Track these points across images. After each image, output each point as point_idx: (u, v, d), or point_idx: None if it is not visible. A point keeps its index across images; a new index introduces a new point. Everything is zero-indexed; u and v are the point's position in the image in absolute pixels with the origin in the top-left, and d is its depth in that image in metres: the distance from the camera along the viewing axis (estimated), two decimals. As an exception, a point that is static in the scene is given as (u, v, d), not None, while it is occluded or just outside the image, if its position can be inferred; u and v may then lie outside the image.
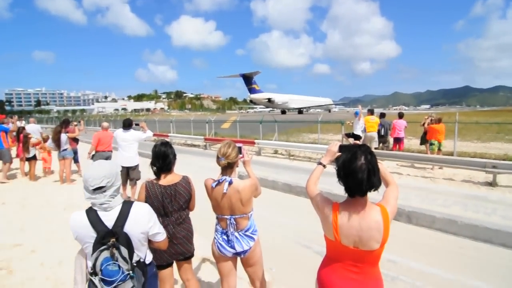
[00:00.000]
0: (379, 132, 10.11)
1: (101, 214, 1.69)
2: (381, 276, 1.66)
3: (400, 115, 10.36)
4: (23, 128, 9.03)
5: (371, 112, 10.41)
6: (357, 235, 1.53)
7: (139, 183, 5.68)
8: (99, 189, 1.68)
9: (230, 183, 2.20)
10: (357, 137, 9.67)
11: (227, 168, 2.27)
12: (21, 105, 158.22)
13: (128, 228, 1.70)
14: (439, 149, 8.98)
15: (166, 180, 2.41)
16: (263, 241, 2.59)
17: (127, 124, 5.99)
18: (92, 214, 1.68)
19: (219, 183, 2.23)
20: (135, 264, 1.69)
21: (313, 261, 1.96)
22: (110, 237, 1.61)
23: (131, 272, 1.62)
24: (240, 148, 2.32)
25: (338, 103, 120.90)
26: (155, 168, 2.42)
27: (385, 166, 1.77)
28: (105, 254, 1.58)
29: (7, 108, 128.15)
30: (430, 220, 4.79)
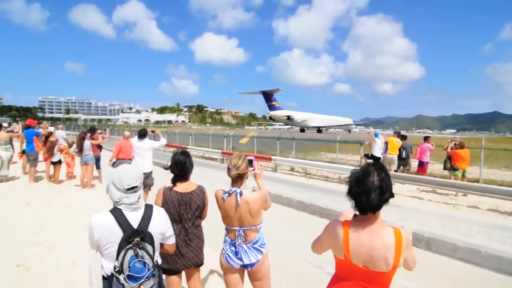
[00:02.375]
0: (400, 154, 9.83)
1: (127, 214, 1.75)
2: (392, 299, 1.59)
3: (426, 138, 10.05)
4: (51, 133, 9.53)
5: (397, 134, 10.20)
6: (368, 254, 1.49)
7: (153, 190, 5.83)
8: (132, 189, 1.77)
9: (240, 194, 2.23)
10: (376, 159, 9.45)
11: (238, 179, 2.31)
12: (52, 112, 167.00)
13: (151, 228, 1.78)
14: (463, 176, 8.59)
15: (183, 188, 2.48)
16: (274, 257, 2.56)
17: (142, 134, 6.39)
18: (118, 214, 1.74)
19: (229, 194, 2.26)
20: (156, 263, 1.77)
21: (323, 282, 1.89)
22: (135, 236, 1.68)
23: (153, 270, 1.71)
24: (251, 161, 2.36)
25: (359, 124, 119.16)
26: (173, 175, 2.50)
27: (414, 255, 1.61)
28: (131, 252, 1.65)
29: (39, 114, 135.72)
30: (451, 248, 4.53)
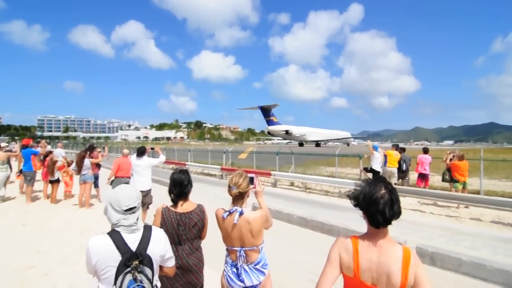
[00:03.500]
0: (400, 167, 9.81)
1: (125, 236, 1.69)
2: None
3: (425, 150, 10.05)
4: (50, 152, 9.50)
5: (396, 146, 10.21)
6: (376, 271, 1.46)
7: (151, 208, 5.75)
8: (131, 210, 1.72)
9: (241, 213, 2.19)
10: (375, 173, 9.42)
11: (238, 198, 2.27)
12: (51, 131, 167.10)
13: (150, 250, 1.73)
14: (464, 187, 8.55)
15: (182, 208, 2.44)
16: (275, 276, 2.50)
17: (140, 152, 6.32)
18: (116, 236, 1.68)
19: (229, 213, 2.22)
20: (155, 287, 1.71)
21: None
22: (134, 260, 1.63)
23: None
24: (252, 178, 2.33)
25: (357, 137, 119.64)
26: (172, 195, 2.47)
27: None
28: (129, 277, 1.60)
29: (38, 133, 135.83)
30: (456, 263, 4.44)
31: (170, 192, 2.48)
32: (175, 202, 2.47)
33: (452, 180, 8.73)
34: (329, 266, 1.56)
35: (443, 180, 9.34)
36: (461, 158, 8.65)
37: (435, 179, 11.65)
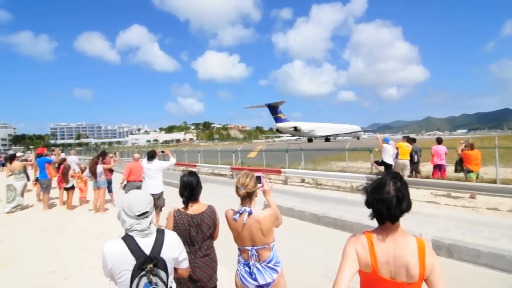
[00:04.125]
0: (411, 159, 9.62)
1: (138, 240, 1.73)
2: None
3: (439, 141, 9.84)
4: (64, 159, 9.72)
5: (406, 138, 10.03)
6: (393, 264, 1.45)
7: (164, 210, 5.81)
8: (143, 214, 1.76)
9: (250, 213, 2.21)
10: (387, 166, 9.28)
11: (246, 198, 2.29)
12: (63, 138, 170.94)
13: (164, 254, 1.76)
14: (477, 177, 8.30)
15: (193, 209, 2.47)
16: (289, 273, 2.50)
17: (150, 156, 6.42)
18: (130, 241, 1.72)
19: (239, 214, 2.24)
20: None
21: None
22: (148, 263, 1.66)
23: None
24: (259, 177, 2.34)
25: (367, 130, 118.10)
26: (183, 197, 2.50)
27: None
28: (145, 280, 1.64)
29: (52, 141, 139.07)
30: (474, 254, 4.35)
31: (181, 194, 2.51)
32: (186, 204, 2.50)
33: (464, 170, 8.50)
34: (347, 261, 1.52)
35: (456, 170, 9.10)
36: (472, 147, 8.40)
37: (449, 169, 11.40)
